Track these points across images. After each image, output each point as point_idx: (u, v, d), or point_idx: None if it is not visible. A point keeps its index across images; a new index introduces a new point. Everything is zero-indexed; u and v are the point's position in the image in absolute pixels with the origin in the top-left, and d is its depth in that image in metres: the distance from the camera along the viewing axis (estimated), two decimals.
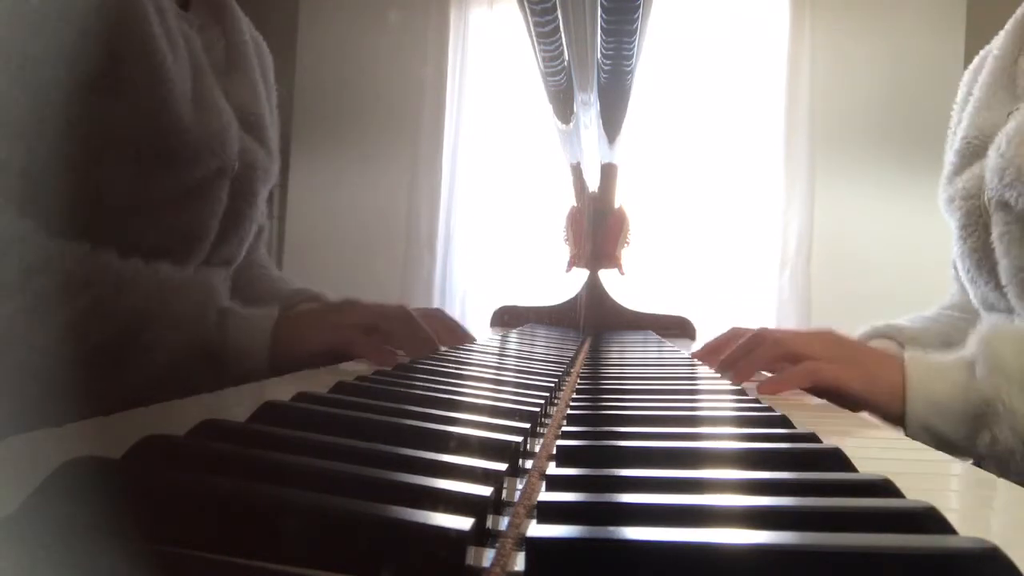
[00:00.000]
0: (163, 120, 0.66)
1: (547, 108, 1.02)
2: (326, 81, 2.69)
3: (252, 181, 0.82)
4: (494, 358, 0.76)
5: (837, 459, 0.32)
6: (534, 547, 0.20)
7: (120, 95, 0.64)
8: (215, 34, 0.83)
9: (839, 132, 2.42)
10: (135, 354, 0.60)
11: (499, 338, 1.09)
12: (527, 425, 0.35)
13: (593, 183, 1.49)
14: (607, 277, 1.52)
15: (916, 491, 0.26)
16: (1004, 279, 0.73)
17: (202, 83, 0.73)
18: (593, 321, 1.48)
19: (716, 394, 0.58)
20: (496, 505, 0.25)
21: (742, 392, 0.56)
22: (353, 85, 2.67)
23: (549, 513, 0.23)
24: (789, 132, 2.45)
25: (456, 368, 0.60)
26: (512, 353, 0.86)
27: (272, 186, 0.90)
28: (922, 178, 2.07)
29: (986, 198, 0.73)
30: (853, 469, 0.31)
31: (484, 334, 1.15)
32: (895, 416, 0.63)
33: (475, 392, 0.48)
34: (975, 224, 0.76)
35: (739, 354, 0.71)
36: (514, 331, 1.27)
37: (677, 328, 1.48)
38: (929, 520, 0.23)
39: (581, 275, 1.53)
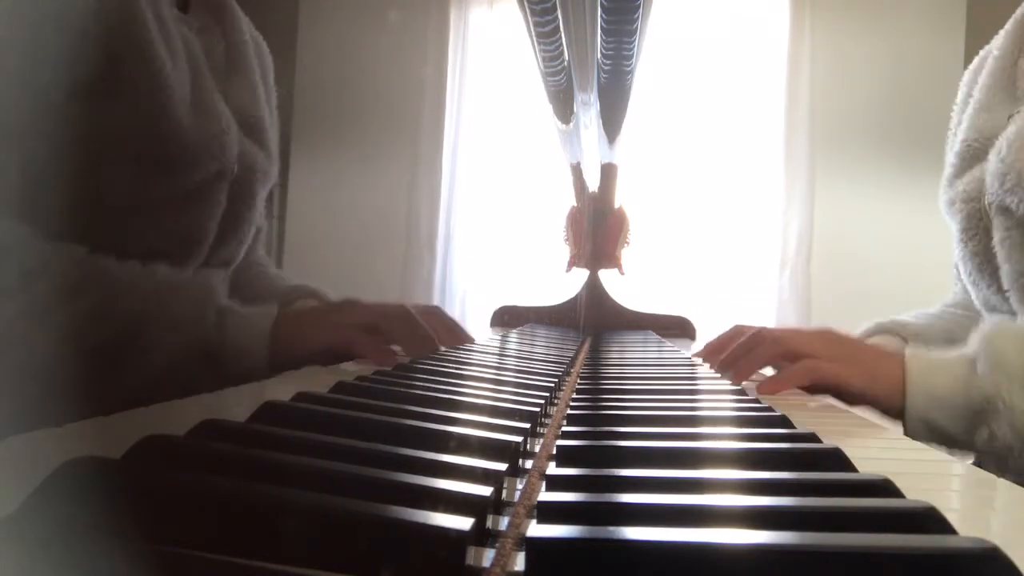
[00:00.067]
0: (162, 125, 0.67)
1: (547, 108, 1.02)
2: (326, 81, 2.69)
3: (251, 183, 0.82)
4: (494, 358, 0.75)
5: (837, 459, 0.32)
6: (534, 547, 0.20)
7: (119, 100, 0.64)
8: (215, 36, 0.83)
9: (839, 132, 2.42)
10: (134, 355, 0.60)
11: (499, 338, 1.09)
12: (527, 425, 0.35)
13: (593, 183, 1.49)
14: (607, 277, 1.52)
15: (916, 491, 0.26)
16: (1006, 284, 0.73)
17: (201, 87, 0.73)
18: (593, 321, 1.48)
19: (716, 394, 0.58)
20: (496, 505, 0.25)
21: (742, 392, 0.56)
22: (353, 85, 2.67)
23: (549, 513, 0.23)
24: (789, 132, 2.45)
25: (456, 368, 0.60)
26: (512, 353, 0.86)
27: (271, 187, 0.90)
28: (922, 178, 2.07)
29: (986, 202, 0.73)
30: (853, 469, 0.31)
31: (484, 334, 1.15)
32: (895, 411, 0.63)
33: (475, 392, 0.48)
34: (976, 228, 0.76)
35: (739, 353, 0.71)
36: (514, 331, 1.27)
37: (677, 328, 1.48)
38: (929, 520, 0.23)
39: (581, 275, 1.53)
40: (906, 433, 0.63)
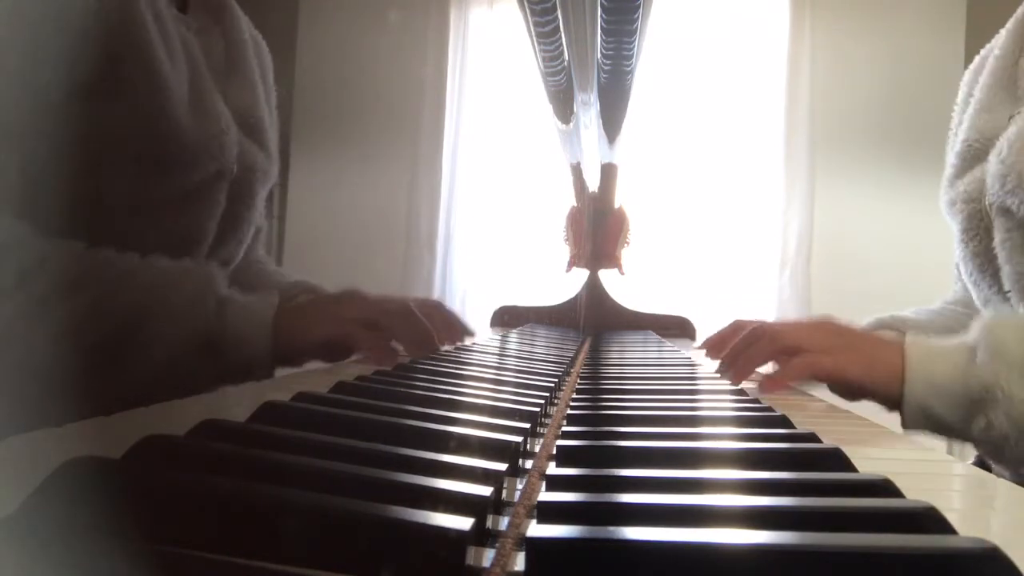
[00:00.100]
0: (161, 125, 0.67)
1: (547, 108, 1.02)
2: (326, 81, 2.69)
3: (251, 184, 0.82)
4: (494, 358, 0.75)
5: (837, 459, 0.32)
6: (534, 547, 0.20)
7: (118, 100, 0.64)
8: (214, 36, 0.83)
9: (839, 132, 2.42)
10: (135, 348, 0.60)
11: (499, 338, 1.09)
12: (527, 425, 0.35)
13: (593, 183, 1.49)
14: (607, 277, 1.52)
15: (916, 491, 0.26)
16: (1007, 284, 0.73)
17: (200, 87, 0.73)
18: (593, 321, 1.48)
19: (716, 394, 0.58)
20: (496, 505, 0.25)
21: (742, 392, 0.56)
22: (353, 85, 2.67)
23: (549, 513, 0.23)
24: (789, 132, 2.44)
25: (456, 368, 0.60)
26: (512, 353, 0.86)
27: (271, 187, 0.90)
28: (922, 178, 2.07)
29: (987, 203, 0.73)
30: (853, 469, 0.31)
31: (484, 334, 1.15)
32: (893, 399, 0.62)
33: (475, 392, 0.48)
34: (976, 228, 0.76)
35: (737, 351, 0.71)
36: (514, 331, 1.27)
37: (677, 328, 1.48)
38: (929, 520, 0.23)
39: (581, 275, 1.53)
40: (904, 421, 0.62)
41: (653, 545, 0.20)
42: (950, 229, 0.84)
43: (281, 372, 0.68)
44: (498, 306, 1.57)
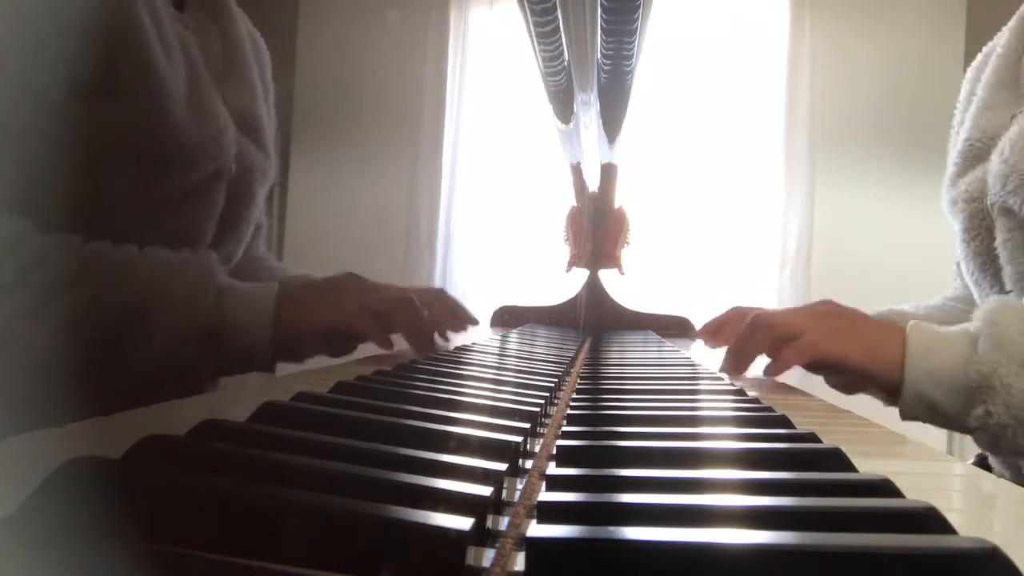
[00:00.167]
0: (159, 125, 0.66)
1: (547, 108, 1.02)
2: (326, 81, 2.69)
3: (249, 183, 0.82)
4: (494, 358, 0.75)
5: (837, 459, 0.32)
6: (534, 547, 0.20)
7: (115, 100, 0.64)
8: (211, 34, 0.82)
9: (839, 132, 2.42)
10: (136, 339, 0.60)
11: (499, 338, 1.09)
12: (527, 425, 0.35)
13: (593, 183, 1.49)
14: (607, 277, 1.52)
15: (916, 491, 0.26)
16: (1008, 284, 0.73)
17: (198, 87, 0.73)
18: (593, 321, 1.48)
19: (716, 394, 0.58)
20: (496, 505, 0.25)
21: (742, 392, 0.56)
22: (353, 85, 2.67)
23: (549, 513, 0.23)
24: (789, 132, 2.45)
25: (456, 368, 0.60)
26: (512, 353, 0.86)
27: (270, 185, 0.90)
28: (922, 178, 2.07)
29: (989, 203, 0.73)
30: (853, 469, 0.31)
31: (484, 334, 1.15)
32: (892, 386, 0.62)
33: (475, 392, 0.48)
34: (978, 228, 0.76)
35: (741, 340, 0.71)
36: (514, 331, 1.27)
37: (677, 328, 1.48)
38: (929, 520, 0.23)
39: (581, 275, 1.53)
40: (902, 409, 0.62)
41: (653, 545, 0.20)
42: (950, 229, 0.84)
43: (281, 372, 0.68)
44: (498, 306, 1.57)
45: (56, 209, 0.60)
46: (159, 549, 0.18)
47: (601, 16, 0.67)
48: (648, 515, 0.23)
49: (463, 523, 0.20)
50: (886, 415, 0.62)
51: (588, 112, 0.94)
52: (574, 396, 0.52)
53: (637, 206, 1.69)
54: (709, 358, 0.88)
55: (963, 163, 0.79)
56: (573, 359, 0.82)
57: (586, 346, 1.06)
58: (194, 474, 0.23)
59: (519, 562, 0.22)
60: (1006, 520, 0.31)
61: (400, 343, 0.74)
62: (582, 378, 0.65)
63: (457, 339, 0.89)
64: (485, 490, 0.23)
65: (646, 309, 1.53)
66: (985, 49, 0.86)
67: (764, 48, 2.48)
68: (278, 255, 2.58)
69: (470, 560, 0.19)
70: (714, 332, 0.97)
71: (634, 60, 0.80)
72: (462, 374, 0.57)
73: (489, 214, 2.63)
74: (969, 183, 0.77)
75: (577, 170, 1.47)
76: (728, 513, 0.24)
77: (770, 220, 2.46)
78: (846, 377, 0.67)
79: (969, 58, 0.89)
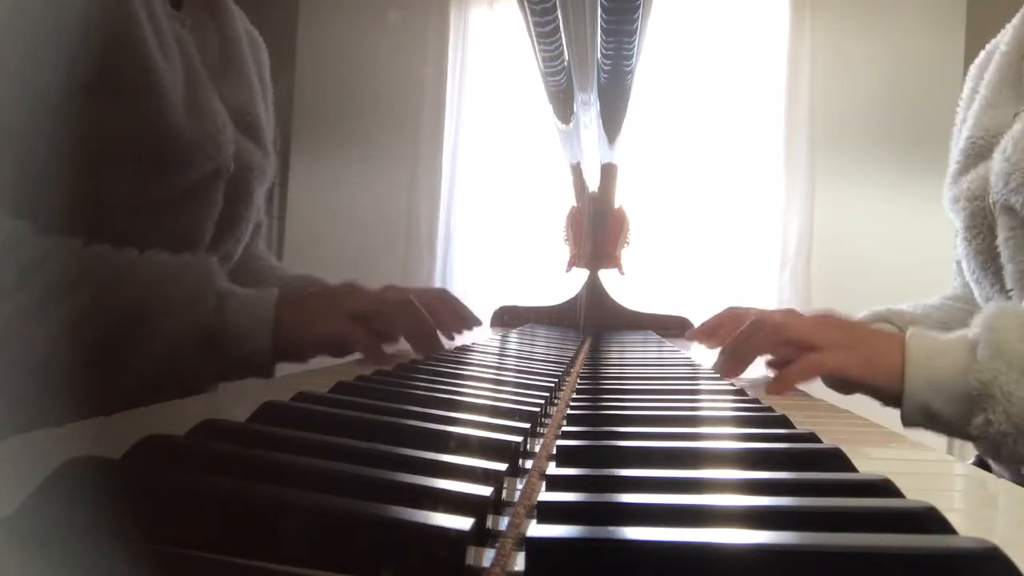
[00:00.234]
0: (156, 124, 0.66)
1: (547, 108, 1.02)
2: (326, 81, 2.69)
3: (248, 182, 0.82)
4: (494, 358, 0.75)
5: (837, 459, 0.32)
6: (534, 547, 0.20)
7: (113, 100, 0.64)
8: (209, 32, 0.82)
9: (839, 132, 2.42)
10: (136, 343, 0.60)
11: (499, 338, 1.09)
12: (527, 425, 0.35)
13: (593, 183, 1.49)
14: (607, 277, 1.52)
15: (916, 491, 0.26)
16: (1009, 283, 0.73)
17: (196, 86, 0.73)
18: (593, 321, 1.48)
19: (716, 394, 0.58)
20: (496, 505, 0.25)
21: (742, 392, 0.56)
22: (353, 85, 2.67)
23: (549, 513, 0.23)
24: (789, 132, 2.45)
25: (456, 368, 0.60)
26: (512, 353, 0.86)
27: (269, 184, 0.89)
28: (922, 178, 2.07)
29: (991, 201, 0.73)
30: (853, 469, 0.31)
31: (484, 334, 1.15)
32: (893, 395, 0.62)
33: (475, 392, 0.48)
34: (980, 226, 0.76)
35: (739, 341, 0.71)
36: (514, 331, 1.27)
37: (677, 328, 1.48)
38: (929, 520, 0.23)
39: (581, 275, 1.53)
40: (903, 418, 0.62)
41: (653, 545, 0.20)
42: (950, 228, 0.84)
43: (281, 372, 0.68)
44: (498, 306, 1.57)
45: (54, 209, 0.60)
46: (159, 549, 0.18)
47: (601, 16, 0.67)
48: (648, 515, 0.23)
49: (463, 523, 0.20)
50: (886, 415, 0.62)
51: (588, 112, 0.94)
52: (574, 396, 0.52)
53: (637, 206, 1.69)
54: (709, 358, 0.88)
55: (965, 161, 0.79)
56: (573, 359, 0.82)
57: (586, 346, 1.06)
58: (194, 474, 0.23)
59: (519, 562, 0.22)
60: (1006, 520, 0.31)
61: (401, 343, 0.74)
62: (582, 378, 0.65)
63: (458, 339, 0.89)
64: (485, 490, 0.23)
65: (646, 309, 1.53)
66: (988, 46, 0.86)
67: (764, 48, 2.48)
68: (278, 255, 2.58)
69: (470, 560, 0.19)
70: (709, 333, 0.97)
71: (634, 60, 0.80)
72: (462, 374, 0.57)
73: (489, 214, 2.63)
74: (971, 181, 0.77)
75: (577, 170, 1.47)
76: (728, 513, 0.24)
77: (770, 220, 2.46)
78: (845, 385, 0.67)
79: (969, 58, 0.89)
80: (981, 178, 0.75)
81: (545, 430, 0.42)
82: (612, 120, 1.04)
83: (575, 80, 0.82)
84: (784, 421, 0.42)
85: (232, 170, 0.77)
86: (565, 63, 0.80)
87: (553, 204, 2.06)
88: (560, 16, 0.68)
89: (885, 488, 0.27)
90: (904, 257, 2.22)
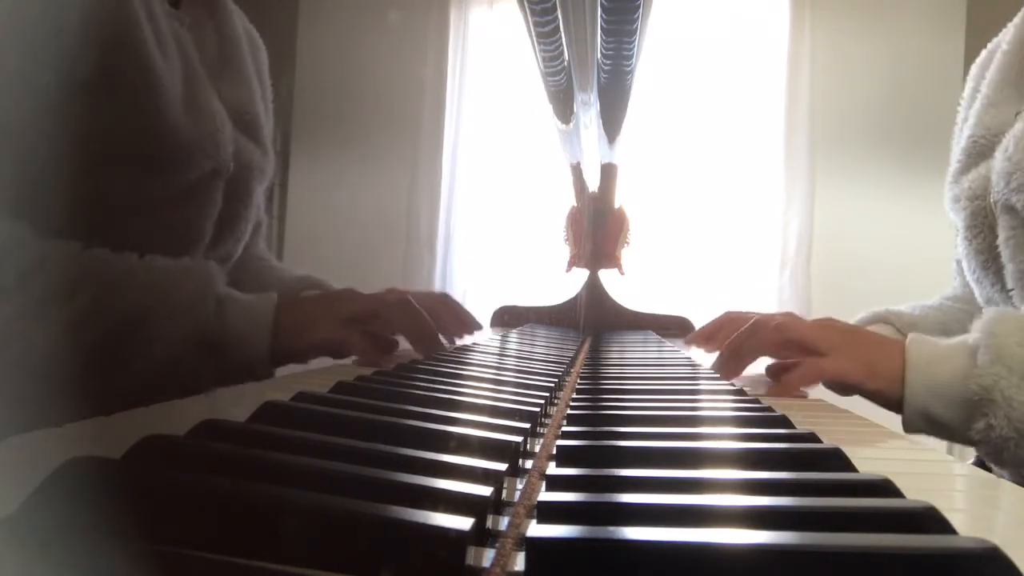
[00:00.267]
0: (155, 125, 0.66)
1: (547, 108, 1.02)
2: (326, 81, 2.69)
3: (247, 181, 0.82)
4: (494, 358, 0.75)
5: (837, 459, 0.32)
6: (534, 547, 0.20)
7: (112, 99, 0.64)
8: (207, 31, 0.82)
9: (839, 132, 2.42)
10: (136, 347, 0.60)
11: (499, 338, 1.09)
12: (527, 425, 0.35)
13: (593, 183, 1.49)
14: (607, 277, 1.52)
15: (916, 491, 0.26)
16: (1010, 283, 0.73)
17: (194, 85, 0.73)
18: (593, 321, 1.48)
19: (716, 394, 0.58)
20: (496, 505, 0.25)
21: (742, 392, 0.56)
22: (353, 85, 2.67)
23: (549, 513, 0.23)
24: (789, 132, 2.45)
25: (456, 368, 0.60)
26: (512, 353, 0.86)
27: (269, 183, 0.89)
28: (922, 178, 2.07)
29: (992, 200, 0.73)
30: (853, 469, 0.31)
31: (484, 334, 1.15)
32: (894, 401, 0.62)
33: (475, 392, 0.48)
34: (981, 225, 0.76)
35: (740, 340, 0.71)
36: (514, 331, 1.27)
37: (677, 328, 1.48)
38: (929, 520, 0.23)
39: (581, 275, 1.53)
40: (904, 423, 0.62)
41: (653, 545, 0.20)
42: (951, 228, 0.83)
43: (281, 372, 0.68)
44: (498, 306, 1.57)
45: (53, 208, 0.60)
46: (159, 549, 0.18)
47: (601, 16, 0.67)
48: (648, 515, 0.23)
49: (463, 523, 0.20)
50: (886, 415, 0.62)
51: (588, 112, 0.94)
52: (574, 396, 0.52)
53: (637, 206, 1.69)
54: (709, 359, 0.88)
55: (966, 160, 0.79)
56: (573, 359, 0.82)
57: (586, 346, 1.06)
58: (194, 474, 0.23)
59: (519, 562, 0.22)
60: (1006, 520, 0.31)
61: (403, 344, 0.74)
62: (582, 378, 0.65)
63: (458, 340, 0.89)
64: (485, 490, 0.23)
65: (646, 309, 1.53)
66: (990, 45, 0.86)
67: (764, 48, 2.48)
68: (278, 255, 2.58)
69: (470, 560, 0.19)
70: (708, 337, 0.97)
71: (634, 60, 0.80)
72: (462, 374, 0.57)
73: (489, 214, 2.63)
74: (972, 180, 0.77)
75: (577, 170, 1.47)
76: (728, 513, 0.24)
77: (770, 220, 2.46)
78: (845, 387, 0.67)
79: (969, 58, 0.89)
80: (982, 177, 0.75)
81: (545, 430, 0.42)
82: (612, 120, 1.04)
83: (575, 80, 0.82)
84: (784, 421, 0.42)
85: (231, 169, 0.77)
86: (565, 63, 0.80)
87: (553, 204, 2.06)
88: (560, 16, 0.68)
89: (885, 488, 0.27)
90: (904, 257, 2.22)
